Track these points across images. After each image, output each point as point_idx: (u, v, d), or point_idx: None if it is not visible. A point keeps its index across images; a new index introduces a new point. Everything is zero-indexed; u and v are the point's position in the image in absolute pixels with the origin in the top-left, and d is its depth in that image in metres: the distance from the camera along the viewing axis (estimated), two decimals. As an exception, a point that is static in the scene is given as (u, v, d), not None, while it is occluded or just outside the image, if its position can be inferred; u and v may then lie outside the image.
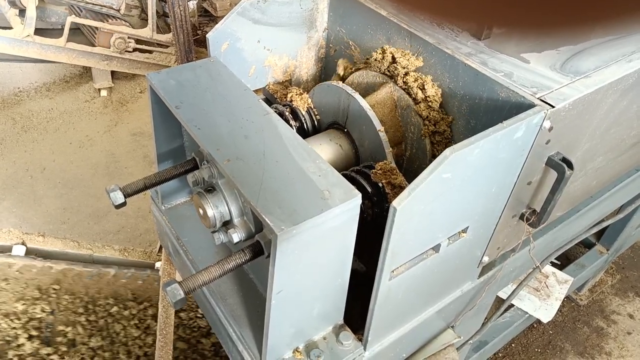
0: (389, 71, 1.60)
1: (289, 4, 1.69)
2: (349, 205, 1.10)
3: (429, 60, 1.50)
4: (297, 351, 1.37)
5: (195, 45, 4.59)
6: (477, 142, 1.08)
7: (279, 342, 1.31)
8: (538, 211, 1.46)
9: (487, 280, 1.70)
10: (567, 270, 2.94)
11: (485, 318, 2.05)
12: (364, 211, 1.35)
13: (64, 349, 2.91)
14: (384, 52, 1.59)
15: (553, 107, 1.21)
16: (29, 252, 3.34)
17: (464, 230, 1.33)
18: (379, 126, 1.49)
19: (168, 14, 4.48)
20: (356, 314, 1.44)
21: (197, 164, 1.44)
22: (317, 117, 1.71)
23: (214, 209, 1.30)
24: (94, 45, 4.80)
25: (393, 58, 1.57)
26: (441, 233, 1.27)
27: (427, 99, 1.50)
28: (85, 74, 5.29)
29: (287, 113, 1.67)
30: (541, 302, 2.59)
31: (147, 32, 4.89)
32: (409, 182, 1.07)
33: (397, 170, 1.44)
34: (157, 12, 4.99)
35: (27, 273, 3.16)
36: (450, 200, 1.17)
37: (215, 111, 1.34)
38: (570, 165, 1.30)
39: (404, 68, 1.53)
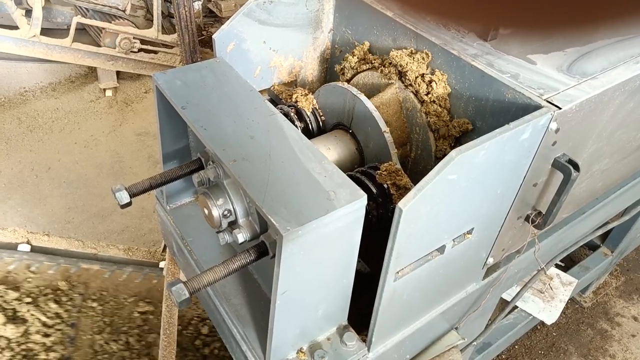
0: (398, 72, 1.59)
1: (294, 5, 1.69)
2: (354, 206, 1.10)
3: (435, 61, 1.50)
4: (301, 352, 1.37)
5: (200, 45, 4.60)
6: (483, 144, 1.08)
7: (283, 343, 1.31)
8: (543, 213, 1.46)
9: (491, 281, 1.70)
10: (571, 272, 2.94)
11: (489, 320, 2.05)
12: (369, 212, 1.35)
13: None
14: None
15: (560, 108, 1.20)
16: (34, 251, 3.35)
17: (469, 232, 1.33)
18: (384, 127, 1.49)
19: (173, 15, 4.49)
20: (360, 314, 1.44)
21: (203, 164, 1.44)
22: (322, 118, 1.71)
23: (219, 209, 1.30)
24: (99, 46, 4.82)
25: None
26: (446, 234, 1.27)
27: (437, 99, 1.50)
28: (91, 74, 5.31)
29: (292, 114, 1.67)
30: (545, 304, 2.58)
31: (152, 33, 4.90)
32: (414, 184, 1.07)
33: (402, 172, 1.44)
34: (162, 12, 5.01)
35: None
36: (455, 201, 1.17)
37: (221, 112, 1.35)
38: (576, 167, 1.29)
39: (413, 72, 1.53)
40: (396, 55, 1.54)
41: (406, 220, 1.06)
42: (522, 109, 1.27)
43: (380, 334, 1.40)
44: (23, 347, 2.83)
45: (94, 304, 3.14)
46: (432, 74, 1.49)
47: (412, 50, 1.55)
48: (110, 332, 3.01)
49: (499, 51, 1.43)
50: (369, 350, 1.42)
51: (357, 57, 1.71)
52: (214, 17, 5.91)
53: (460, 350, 1.74)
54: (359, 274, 1.30)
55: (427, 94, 1.50)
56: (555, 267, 2.68)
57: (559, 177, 1.35)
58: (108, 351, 2.92)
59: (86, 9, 4.94)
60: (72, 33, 4.62)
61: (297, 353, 1.36)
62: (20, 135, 4.59)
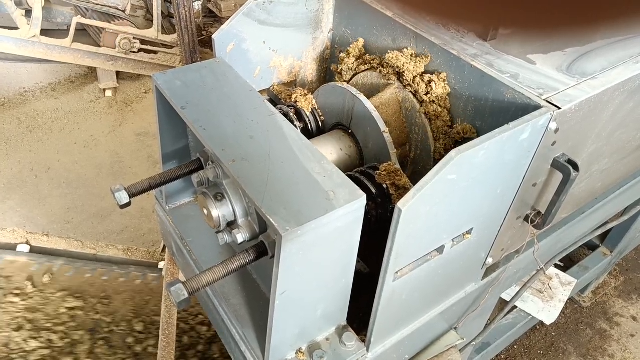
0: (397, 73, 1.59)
1: (294, 5, 1.69)
2: (353, 206, 1.10)
3: (434, 62, 1.50)
4: (300, 352, 1.36)
5: (200, 46, 4.60)
6: (482, 144, 1.08)
7: (282, 343, 1.31)
8: (543, 213, 1.46)
9: (490, 281, 1.70)
10: (570, 272, 2.94)
11: (489, 320, 2.05)
12: (368, 212, 1.35)
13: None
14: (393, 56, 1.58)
15: (559, 108, 1.20)
16: (33, 252, 3.34)
17: (469, 232, 1.33)
18: (383, 127, 1.49)
19: (173, 15, 4.49)
20: (360, 315, 1.44)
21: (202, 164, 1.44)
22: (322, 118, 1.71)
23: (219, 209, 1.30)
24: (99, 46, 4.82)
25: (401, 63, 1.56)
26: (446, 234, 1.27)
27: (436, 99, 1.50)
28: (91, 74, 5.31)
29: (291, 114, 1.67)
30: (544, 304, 2.58)
31: (152, 33, 4.90)
32: (414, 184, 1.07)
33: (402, 172, 1.44)
34: (162, 13, 5.01)
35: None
36: (455, 201, 1.17)
37: (221, 112, 1.35)
38: (575, 167, 1.29)
39: (411, 72, 1.52)
40: (392, 57, 1.54)
41: (405, 220, 1.06)
42: (521, 109, 1.27)
43: (380, 334, 1.40)
44: None
45: (15, 299, 2.98)
46: (432, 73, 1.49)
47: (412, 53, 1.55)
48: (30, 329, 2.87)
49: (499, 51, 1.43)
50: (368, 350, 1.42)
51: (354, 57, 1.71)
52: (213, 17, 5.91)
53: (460, 350, 1.74)
54: (358, 274, 1.30)
55: (426, 94, 1.50)
56: (555, 267, 2.69)
57: (558, 177, 1.35)
58: (25, 349, 2.79)
59: (86, 9, 4.94)
60: (72, 33, 4.62)
61: (296, 353, 1.36)
62: (20, 135, 4.59)
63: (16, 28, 4.48)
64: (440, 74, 1.48)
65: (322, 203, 1.09)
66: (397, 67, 1.53)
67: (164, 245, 2.99)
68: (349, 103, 1.58)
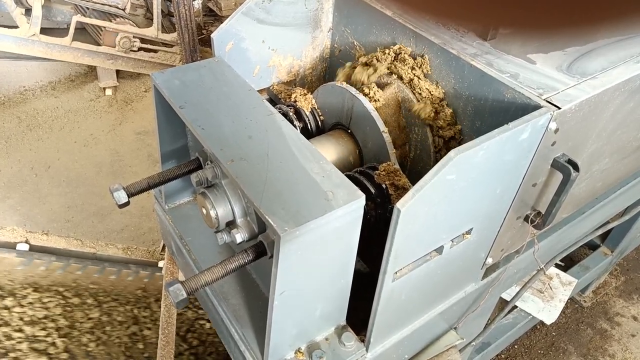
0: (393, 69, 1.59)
1: (294, 4, 1.69)
2: (352, 207, 1.10)
3: (434, 61, 1.49)
4: (299, 352, 1.36)
5: (200, 44, 4.60)
6: (482, 144, 1.07)
7: (281, 343, 1.30)
8: (543, 213, 1.46)
9: (490, 282, 1.69)
10: (571, 272, 2.93)
11: (489, 319, 2.05)
12: (367, 212, 1.35)
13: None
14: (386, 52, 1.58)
15: (559, 108, 1.20)
16: (32, 251, 3.33)
17: (468, 232, 1.32)
18: (382, 127, 1.49)
19: (173, 14, 4.48)
20: (359, 314, 1.44)
21: (201, 163, 1.44)
22: (321, 117, 1.70)
23: (218, 209, 1.29)
24: (99, 45, 4.82)
25: (396, 56, 1.56)
26: (445, 235, 1.27)
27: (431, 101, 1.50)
28: (91, 73, 5.30)
29: (291, 113, 1.66)
30: (545, 304, 2.58)
31: (152, 32, 4.90)
32: (413, 184, 1.06)
33: (401, 172, 1.44)
34: (162, 11, 5.00)
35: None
36: (454, 201, 1.17)
37: (219, 111, 1.34)
38: (575, 167, 1.29)
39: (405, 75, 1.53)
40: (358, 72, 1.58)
41: (404, 220, 1.06)
42: (521, 108, 1.27)
43: (379, 334, 1.39)
44: None
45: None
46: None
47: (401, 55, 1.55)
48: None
49: (499, 51, 1.43)
50: (367, 350, 1.41)
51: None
52: (214, 16, 5.90)
53: (459, 350, 1.74)
54: (358, 273, 1.30)
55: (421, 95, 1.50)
56: (555, 266, 2.68)
57: (558, 177, 1.34)
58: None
59: (86, 7, 4.93)
60: (72, 32, 4.62)
61: (295, 353, 1.36)
62: (20, 134, 4.58)
63: (16, 26, 4.48)
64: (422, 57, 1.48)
65: (321, 203, 1.08)
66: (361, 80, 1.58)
67: (164, 244, 2.98)
68: (348, 103, 1.57)
